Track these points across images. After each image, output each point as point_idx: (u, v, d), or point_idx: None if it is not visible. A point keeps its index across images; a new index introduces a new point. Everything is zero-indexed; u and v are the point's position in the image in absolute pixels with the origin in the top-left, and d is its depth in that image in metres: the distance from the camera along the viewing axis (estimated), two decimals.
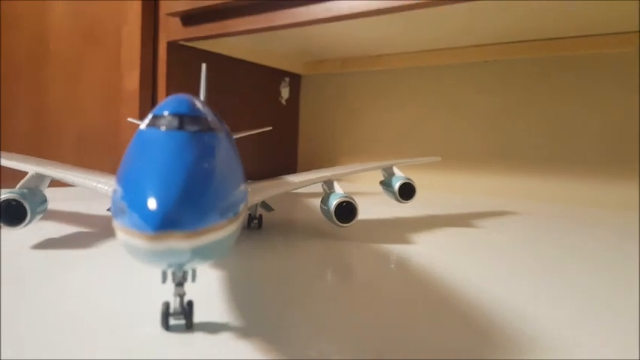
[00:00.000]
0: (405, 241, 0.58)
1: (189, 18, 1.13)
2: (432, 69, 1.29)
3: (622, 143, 1.06)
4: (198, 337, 0.29)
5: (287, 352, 0.27)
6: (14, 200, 0.46)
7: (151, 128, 0.27)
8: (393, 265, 0.50)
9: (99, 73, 1.31)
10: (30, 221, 0.47)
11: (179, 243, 0.21)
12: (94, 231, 0.60)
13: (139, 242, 0.21)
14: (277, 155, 1.52)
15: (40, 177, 0.54)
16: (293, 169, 1.57)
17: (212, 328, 0.30)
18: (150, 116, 0.28)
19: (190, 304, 0.29)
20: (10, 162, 0.58)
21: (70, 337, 0.29)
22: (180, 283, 0.28)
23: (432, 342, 0.31)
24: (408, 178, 0.61)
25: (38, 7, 1.47)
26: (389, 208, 0.79)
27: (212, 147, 0.27)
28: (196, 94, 1.18)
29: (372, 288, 0.43)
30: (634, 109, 1.04)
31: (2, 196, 0.47)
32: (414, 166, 0.71)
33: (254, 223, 0.63)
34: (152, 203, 0.21)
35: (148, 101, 1.20)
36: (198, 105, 0.29)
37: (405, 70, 1.34)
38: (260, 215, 0.64)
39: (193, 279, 0.28)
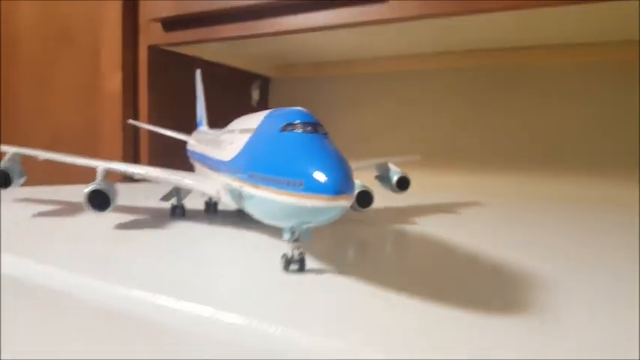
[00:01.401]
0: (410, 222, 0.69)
1: (170, 24, 1.18)
2: (403, 73, 1.41)
3: (595, 142, 1.21)
4: (308, 275, 0.40)
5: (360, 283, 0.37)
6: (99, 190, 0.55)
7: (289, 132, 0.36)
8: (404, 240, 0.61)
9: (74, 74, 1.33)
10: (112, 207, 0.56)
11: (343, 202, 0.32)
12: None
13: (320, 202, 0.31)
14: None
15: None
16: None
17: (316, 271, 0.41)
18: (281, 122, 0.37)
19: (303, 255, 0.40)
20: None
21: (237, 275, 0.41)
22: (297, 240, 0.38)
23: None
24: (403, 173, 0.72)
25: (7, 10, 1.46)
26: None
27: (333, 143, 0.36)
28: (178, 97, 1.23)
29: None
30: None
31: (89, 189, 0.55)
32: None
33: None
34: (331, 178, 0.31)
35: (129, 103, 1.24)
36: (313, 116, 0.39)
37: (375, 75, 1.46)
38: None
39: (308, 236, 0.38)
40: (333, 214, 0.33)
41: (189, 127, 1.13)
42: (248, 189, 0.39)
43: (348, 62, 1.49)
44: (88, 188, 0.56)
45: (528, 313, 0.34)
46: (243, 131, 0.47)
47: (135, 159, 1.26)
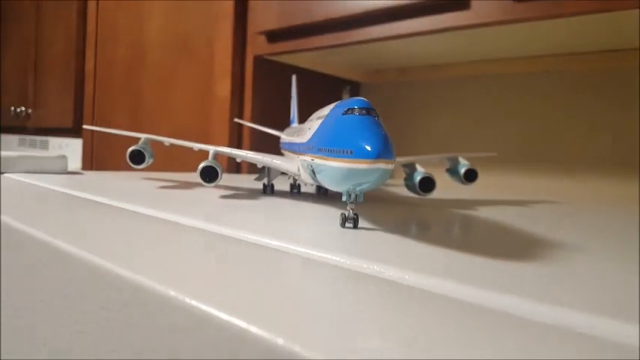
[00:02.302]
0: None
1: (273, 36, 1.34)
2: (488, 77, 1.45)
3: None
4: (362, 231, 0.50)
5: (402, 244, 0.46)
6: (210, 166, 0.71)
7: (348, 115, 0.46)
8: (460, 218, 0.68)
9: (190, 81, 1.54)
10: (219, 181, 0.72)
11: (382, 165, 0.41)
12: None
13: (364, 165, 0.41)
14: None
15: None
16: None
17: (367, 229, 0.51)
18: (344, 108, 0.47)
19: (357, 214, 0.50)
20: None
21: (309, 228, 0.52)
22: (352, 202, 0.48)
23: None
24: (472, 165, 0.79)
25: (136, 23, 1.73)
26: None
27: (381, 123, 0.46)
28: (277, 100, 1.38)
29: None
30: None
31: (203, 164, 0.71)
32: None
33: None
34: (372, 147, 0.41)
35: (236, 106, 1.42)
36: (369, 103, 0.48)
37: (461, 79, 1.51)
38: None
39: (361, 199, 0.47)
40: (376, 175, 0.42)
41: (284, 125, 1.27)
42: (316, 161, 0.50)
43: (433, 67, 1.55)
44: (202, 164, 0.71)
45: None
46: (318, 118, 0.58)
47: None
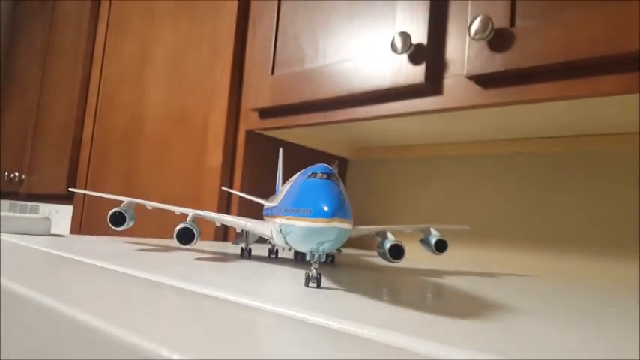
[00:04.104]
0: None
1: (265, 112, 1.45)
2: (464, 157, 1.55)
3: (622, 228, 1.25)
4: (324, 290, 0.54)
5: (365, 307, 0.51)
6: (187, 228, 0.76)
7: (311, 179, 0.53)
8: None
9: (185, 151, 1.64)
10: (195, 242, 0.76)
11: (338, 224, 0.46)
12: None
13: (321, 224, 0.46)
14: None
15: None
16: None
17: (330, 288, 0.56)
18: (308, 173, 0.54)
19: (320, 274, 0.55)
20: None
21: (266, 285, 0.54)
22: (316, 262, 0.53)
23: None
24: (442, 236, 0.85)
25: (137, 94, 1.85)
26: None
27: (342, 187, 0.52)
28: (266, 172, 1.46)
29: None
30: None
31: (180, 226, 0.75)
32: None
33: (328, 260, 0.87)
34: (329, 207, 0.47)
35: (226, 176, 1.50)
36: (331, 169, 0.55)
37: (440, 158, 1.61)
38: (333, 255, 0.89)
39: (322, 259, 0.53)
40: (333, 233, 0.47)
41: (272, 195, 1.35)
42: (283, 221, 0.54)
43: (417, 146, 1.66)
44: (179, 226, 0.76)
45: None
46: (287, 183, 0.64)
47: (226, 226, 1.49)
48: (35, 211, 2.47)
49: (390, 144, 1.73)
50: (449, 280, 0.80)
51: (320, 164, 0.56)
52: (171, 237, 0.77)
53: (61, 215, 2.24)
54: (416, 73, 1.10)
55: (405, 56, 1.11)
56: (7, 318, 0.52)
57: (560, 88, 0.94)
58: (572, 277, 1.28)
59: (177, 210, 0.90)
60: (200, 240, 0.80)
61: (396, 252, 0.77)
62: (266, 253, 0.94)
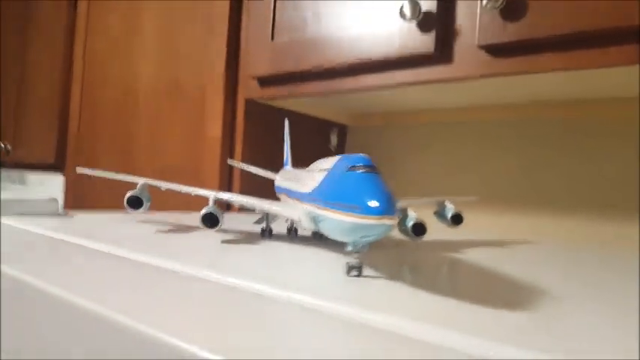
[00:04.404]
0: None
1: (265, 80, 1.42)
2: (467, 123, 1.56)
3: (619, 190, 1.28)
4: (366, 279, 0.55)
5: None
6: (211, 213, 0.75)
7: (353, 171, 0.52)
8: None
9: (182, 122, 1.61)
10: (219, 227, 0.76)
11: (386, 221, 0.47)
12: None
13: (370, 221, 0.46)
14: None
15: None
16: None
17: (373, 277, 0.56)
18: (348, 164, 0.54)
19: (361, 263, 0.55)
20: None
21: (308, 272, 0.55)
22: (358, 252, 0.54)
23: None
24: (458, 210, 0.86)
25: (128, 67, 1.80)
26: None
27: (383, 180, 0.52)
28: (267, 141, 1.45)
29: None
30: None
31: (204, 211, 0.75)
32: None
33: None
34: (378, 204, 0.47)
35: (227, 147, 1.48)
36: (371, 160, 0.55)
37: (442, 124, 1.61)
38: None
39: (366, 249, 0.53)
40: (381, 230, 0.47)
41: (275, 166, 1.34)
42: (322, 212, 0.54)
43: (418, 112, 1.66)
44: (203, 210, 0.75)
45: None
46: (320, 170, 0.63)
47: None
48: (23, 180, 2.43)
49: (390, 110, 1.72)
50: (472, 256, 0.82)
51: (358, 155, 0.55)
52: (174, 209, 0.79)
53: (51, 184, 2.21)
54: (425, 42, 1.08)
55: (414, 23, 1.08)
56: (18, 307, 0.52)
57: (568, 59, 0.94)
58: (576, 240, 1.32)
59: (196, 192, 0.88)
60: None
61: (419, 230, 0.78)
62: (284, 230, 0.94)
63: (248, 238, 0.86)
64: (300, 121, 1.58)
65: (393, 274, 0.59)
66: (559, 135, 1.42)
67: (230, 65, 1.48)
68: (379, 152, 1.77)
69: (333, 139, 1.79)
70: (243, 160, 1.46)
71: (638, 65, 0.89)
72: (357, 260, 0.54)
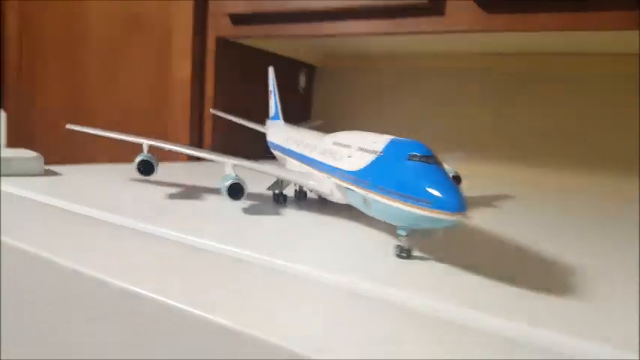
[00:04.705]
0: None
1: (240, 18, 1.34)
2: (440, 70, 1.57)
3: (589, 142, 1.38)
4: (414, 260, 0.56)
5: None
6: (237, 184, 0.71)
7: (414, 161, 0.51)
8: None
9: (144, 59, 1.50)
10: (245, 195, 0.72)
11: (461, 217, 0.47)
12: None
13: (446, 216, 0.46)
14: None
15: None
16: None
17: (417, 259, 0.57)
18: (405, 152, 0.53)
19: (411, 247, 0.56)
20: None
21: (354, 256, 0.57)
22: (407, 235, 0.55)
23: None
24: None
25: None
26: None
27: (445, 170, 0.52)
28: (238, 82, 1.39)
29: None
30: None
31: (229, 182, 0.71)
32: None
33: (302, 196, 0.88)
34: (455, 200, 0.47)
35: (197, 89, 1.41)
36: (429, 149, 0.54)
37: (414, 69, 1.61)
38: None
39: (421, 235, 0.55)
40: (452, 224, 0.47)
41: (252, 114, 1.30)
42: (376, 197, 0.54)
43: (389, 56, 1.64)
44: (228, 182, 0.71)
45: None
46: (364, 150, 0.61)
47: (199, 140, 1.43)
48: None
49: (363, 53, 1.69)
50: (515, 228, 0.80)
51: (414, 142, 0.54)
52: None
53: None
54: None
55: None
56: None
57: (564, 20, 0.96)
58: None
59: (214, 158, 0.81)
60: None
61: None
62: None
63: (271, 208, 0.80)
64: (266, 59, 1.51)
65: (437, 255, 0.58)
66: (530, 85, 1.47)
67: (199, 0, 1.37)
68: (349, 95, 1.76)
69: (302, 81, 1.75)
70: (215, 106, 1.40)
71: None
72: (407, 243, 0.55)
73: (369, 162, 0.58)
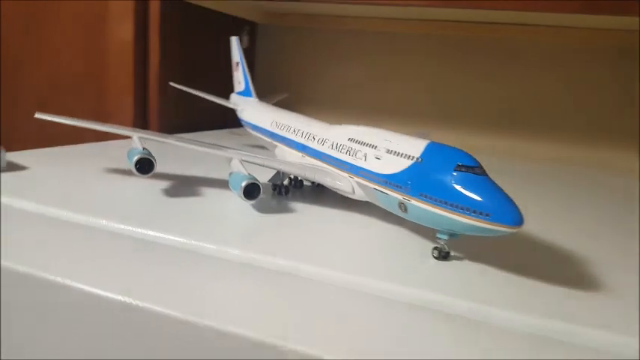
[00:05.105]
0: None
1: None
2: (390, 34, 1.55)
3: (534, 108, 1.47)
4: (451, 262, 0.57)
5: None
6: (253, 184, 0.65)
7: (464, 172, 0.51)
8: None
9: (74, 18, 1.29)
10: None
11: (517, 230, 0.48)
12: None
13: (505, 229, 0.48)
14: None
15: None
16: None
17: (455, 260, 0.58)
18: (452, 161, 0.52)
19: (449, 250, 0.57)
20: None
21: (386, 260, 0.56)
22: (447, 239, 0.56)
23: None
24: None
25: None
26: None
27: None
28: (186, 46, 1.26)
29: None
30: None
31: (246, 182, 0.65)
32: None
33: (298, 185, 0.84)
34: (515, 214, 0.48)
35: (140, 54, 1.25)
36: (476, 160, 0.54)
37: (363, 33, 1.58)
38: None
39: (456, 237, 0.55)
40: (509, 234, 0.49)
41: (204, 81, 1.20)
42: (419, 204, 0.54)
43: (339, 17, 1.59)
44: (245, 182, 0.65)
45: None
46: (397, 154, 0.61)
47: (144, 114, 1.29)
48: None
49: (306, 12, 1.61)
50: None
51: (458, 151, 0.54)
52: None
53: None
54: None
55: None
56: None
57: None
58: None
59: (226, 155, 0.73)
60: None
61: None
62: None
63: (282, 203, 0.75)
64: (205, 17, 1.40)
65: (475, 256, 0.59)
66: (471, 50, 1.51)
67: None
68: (292, 57, 1.69)
69: (245, 40, 1.63)
70: (161, 70, 1.27)
71: None
72: (446, 246, 0.57)
73: (406, 167, 0.58)
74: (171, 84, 1.16)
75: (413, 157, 0.58)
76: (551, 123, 1.47)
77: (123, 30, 1.23)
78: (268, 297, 0.45)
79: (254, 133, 1.03)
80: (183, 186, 0.78)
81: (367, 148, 0.67)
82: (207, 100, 1.17)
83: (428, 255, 0.57)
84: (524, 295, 0.49)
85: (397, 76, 1.59)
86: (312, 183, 0.82)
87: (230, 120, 1.49)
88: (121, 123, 1.16)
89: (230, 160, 0.72)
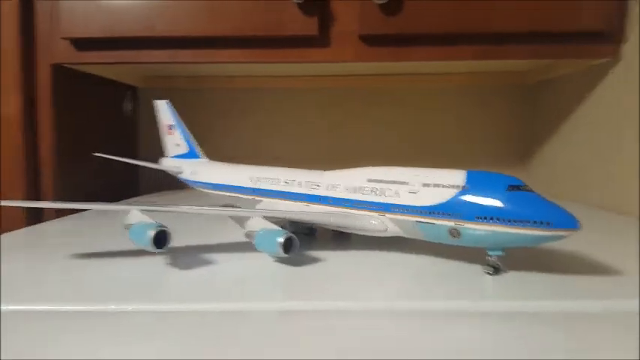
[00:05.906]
0: None
1: (84, 43, 1.15)
2: (278, 90, 1.64)
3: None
4: (505, 275, 0.64)
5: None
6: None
7: (516, 191, 0.59)
8: None
9: None
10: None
11: (576, 232, 0.57)
12: None
13: (566, 233, 0.56)
14: (117, 172, 1.44)
15: None
16: (135, 186, 1.64)
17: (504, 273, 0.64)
18: (502, 184, 0.60)
19: (499, 264, 0.63)
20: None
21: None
22: (498, 255, 0.62)
23: None
24: None
25: None
26: None
27: None
28: (80, 116, 1.20)
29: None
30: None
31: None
32: None
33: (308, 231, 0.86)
34: (572, 218, 0.57)
35: (29, 129, 1.15)
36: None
37: (251, 90, 1.65)
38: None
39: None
40: (565, 237, 0.59)
41: (102, 146, 1.15)
42: (475, 226, 0.60)
43: (221, 77, 1.64)
44: (283, 236, 0.65)
45: None
46: (437, 185, 0.65)
47: (36, 189, 1.17)
48: None
49: (189, 74, 1.63)
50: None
51: (499, 174, 0.62)
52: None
53: None
54: (309, 24, 1.11)
55: (295, 5, 1.10)
56: None
57: (437, 53, 1.16)
58: None
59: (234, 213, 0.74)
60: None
61: None
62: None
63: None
64: (86, 81, 1.34)
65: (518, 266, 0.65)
66: (376, 103, 1.67)
67: (26, 21, 1.11)
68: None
69: (128, 105, 1.58)
70: (59, 145, 1.18)
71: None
72: (496, 261, 0.62)
73: (453, 195, 0.63)
74: (96, 154, 1.09)
75: (458, 185, 0.63)
76: (447, 160, 1.69)
77: (9, 103, 1.12)
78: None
79: (219, 192, 1.02)
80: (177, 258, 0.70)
81: (396, 185, 0.70)
82: (107, 171, 1.12)
83: (480, 273, 0.63)
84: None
85: (296, 126, 1.68)
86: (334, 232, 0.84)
87: (143, 187, 1.44)
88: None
89: (246, 219, 0.71)
